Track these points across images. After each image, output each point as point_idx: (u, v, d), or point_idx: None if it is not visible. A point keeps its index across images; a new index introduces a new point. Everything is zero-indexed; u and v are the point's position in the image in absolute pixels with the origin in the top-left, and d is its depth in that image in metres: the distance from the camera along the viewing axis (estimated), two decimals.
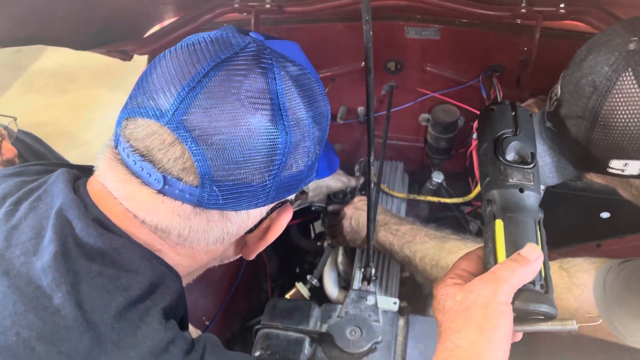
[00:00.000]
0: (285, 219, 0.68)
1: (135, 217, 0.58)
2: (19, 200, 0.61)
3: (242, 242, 0.70)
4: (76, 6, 0.89)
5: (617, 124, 0.70)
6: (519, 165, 0.69)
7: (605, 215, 1.25)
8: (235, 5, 1.13)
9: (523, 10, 1.05)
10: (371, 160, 0.80)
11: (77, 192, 0.61)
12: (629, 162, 0.72)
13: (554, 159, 0.85)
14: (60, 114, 3.53)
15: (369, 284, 1.05)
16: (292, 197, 0.67)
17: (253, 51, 0.58)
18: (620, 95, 0.69)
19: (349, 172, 1.39)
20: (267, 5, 1.12)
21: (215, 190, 0.57)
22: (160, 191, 0.57)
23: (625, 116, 0.69)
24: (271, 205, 0.65)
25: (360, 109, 1.42)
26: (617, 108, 0.69)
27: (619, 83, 0.69)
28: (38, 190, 0.63)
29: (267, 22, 1.23)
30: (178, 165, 0.56)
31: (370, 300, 0.99)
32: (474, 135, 1.23)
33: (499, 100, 1.20)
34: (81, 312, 0.51)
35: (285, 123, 0.57)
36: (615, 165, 0.73)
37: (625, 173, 0.73)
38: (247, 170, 0.57)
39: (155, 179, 0.56)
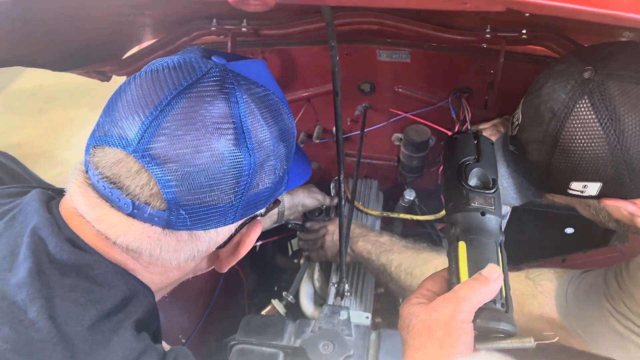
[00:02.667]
0: (254, 234, 0.71)
1: (107, 238, 0.60)
2: None
3: (214, 256, 0.72)
4: (54, 28, 0.91)
5: (576, 148, 0.74)
6: (481, 190, 0.73)
7: (569, 230, 1.30)
8: (213, 28, 1.16)
9: (488, 36, 1.10)
10: (341, 179, 0.83)
11: (51, 212, 0.63)
12: (588, 184, 0.76)
13: (517, 180, 0.89)
14: (37, 134, 3.51)
15: (342, 299, 1.08)
16: (261, 211, 0.70)
17: (215, 76, 0.60)
18: (577, 121, 0.73)
19: (326, 190, 1.42)
20: (244, 29, 1.15)
21: (182, 214, 0.59)
22: (129, 215, 0.59)
23: (582, 141, 0.73)
24: (240, 222, 0.67)
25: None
26: (575, 133, 0.73)
27: (575, 110, 0.73)
28: (13, 210, 0.64)
29: (244, 45, 1.27)
30: (145, 191, 0.58)
31: (343, 315, 1.01)
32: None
33: (468, 120, 1.24)
34: (55, 325, 0.52)
35: (248, 145, 0.60)
36: (575, 187, 0.77)
37: (584, 194, 0.77)
38: (214, 193, 0.59)
39: (125, 204, 0.58)
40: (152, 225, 0.59)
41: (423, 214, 1.36)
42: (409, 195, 1.34)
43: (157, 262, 0.64)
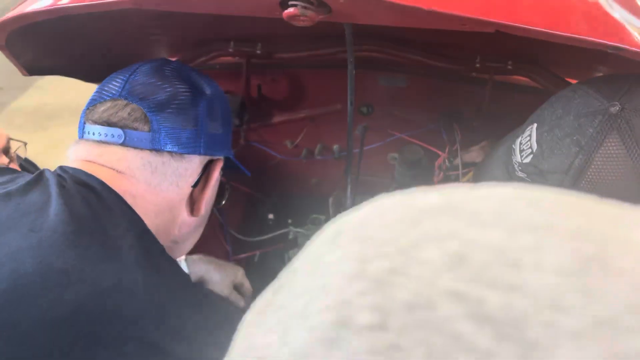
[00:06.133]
0: (218, 168, 0.90)
1: (111, 168, 0.77)
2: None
3: (191, 201, 0.88)
4: (92, 45, 1.03)
5: (604, 181, 0.76)
6: None
7: None
8: (230, 50, 1.28)
9: (477, 65, 1.23)
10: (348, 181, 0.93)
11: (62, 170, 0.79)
12: None
13: None
14: (39, 150, 3.58)
15: None
16: (221, 157, 0.91)
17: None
18: (607, 155, 0.75)
19: (324, 205, 1.52)
20: (258, 52, 1.28)
21: (162, 133, 0.79)
22: (123, 144, 0.78)
23: (613, 173, 0.75)
24: (207, 158, 0.87)
25: (336, 147, 1.58)
26: (604, 167, 0.76)
27: (605, 144, 0.75)
28: (22, 178, 0.78)
29: (257, 66, 1.39)
30: (132, 117, 0.78)
31: None
32: (435, 173, 1.40)
33: (458, 142, 1.36)
34: (109, 242, 0.67)
35: (201, 89, 0.86)
36: None
37: None
38: (182, 117, 0.81)
39: (118, 135, 0.78)
40: (142, 149, 0.78)
41: None
42: None
43: (150, 187, 0.79)
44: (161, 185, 0.80)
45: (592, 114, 0.77)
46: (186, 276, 0.76)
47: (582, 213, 0.19)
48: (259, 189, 1.68)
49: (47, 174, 0.74)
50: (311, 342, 0.18)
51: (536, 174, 0.85)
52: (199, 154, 0.84)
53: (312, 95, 1.46)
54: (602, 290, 0.16)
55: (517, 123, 1.36)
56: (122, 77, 0.82)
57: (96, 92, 0.83)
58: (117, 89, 0.80)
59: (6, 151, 1.28)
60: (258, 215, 1.69)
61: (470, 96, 1.34)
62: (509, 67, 1.22)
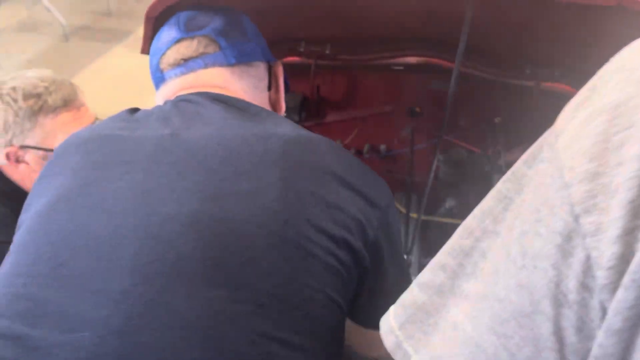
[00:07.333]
0: (280, 68, 1.01)
1: (213, 85, 0.87)
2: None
3: (271, 100, 1.00)
4: None
5: None
6: None
7: None
8: (301, 49, 1.39)
9: (527, 72, 1.36)
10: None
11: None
12: None
13: None
14: None
15: None
16: (278, 61, 1.02)
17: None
18: None
19: None
20: (327, 52, 1.39)
21: (229, 48, 0.89)
22: (205, 67, 0.88)
23: None
24: (267, 64, 0.98)
25: (382, 147, 1.69)
26: None
27: None
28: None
29: (319, 67, 1.51)
30: (202, 46, 0.89)
31: None
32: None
33: (501, 144, 1.48)
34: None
35: (235, 12, 0.96)
36: None
37: None
38: (238, 33, 0.92)
39: (198, 64, 0.88)
40: (221, 65, 0.88)
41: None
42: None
43: (245, 94, 0.89)
44: (250, 91, 0.91)
45: None
46: None
47: None
48: None
49: (177, 99, 0.84)
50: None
51: None
52: (261, 60, 0.95)
53: (366, 96, 1.58)
54: None
55: None
56: (172, 24, 0.91)
57: (156, 45, 0.92)
58: (175, 33, 0.89)
59: None
60: None
61: (516, 102, 1.46)
62: (555, 75, 1.35)
